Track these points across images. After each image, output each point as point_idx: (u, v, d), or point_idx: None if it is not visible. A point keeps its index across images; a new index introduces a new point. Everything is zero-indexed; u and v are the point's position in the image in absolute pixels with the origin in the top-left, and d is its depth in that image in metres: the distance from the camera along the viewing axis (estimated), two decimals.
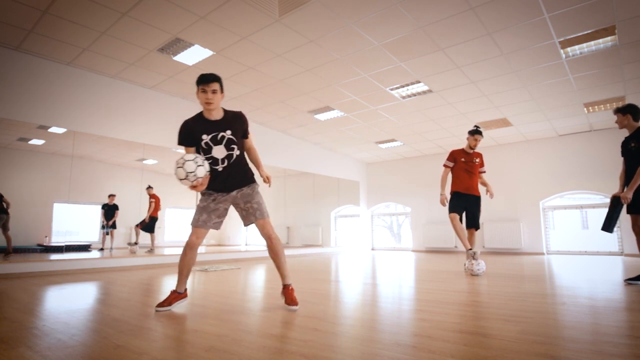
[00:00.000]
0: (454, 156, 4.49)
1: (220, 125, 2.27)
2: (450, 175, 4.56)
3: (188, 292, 3.18)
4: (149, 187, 6.73)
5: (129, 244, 6.55)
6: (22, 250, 5.41)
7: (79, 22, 3.97)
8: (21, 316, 2.16)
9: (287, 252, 8.26)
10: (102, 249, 6.46)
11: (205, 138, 2.24)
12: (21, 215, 5.44)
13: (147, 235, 6.72)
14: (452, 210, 4.31)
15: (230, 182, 2.33)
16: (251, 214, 2.38)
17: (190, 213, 6.99)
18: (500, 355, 1.43)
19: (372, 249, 10.77)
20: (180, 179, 2.14)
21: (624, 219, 3.52)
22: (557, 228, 8.73)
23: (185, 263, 2.36)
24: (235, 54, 4.65)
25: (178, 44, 4.45)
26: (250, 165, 2.48)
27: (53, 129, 5.08)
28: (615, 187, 3.61)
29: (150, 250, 6.47)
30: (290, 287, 2.39)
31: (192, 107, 6.41)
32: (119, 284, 3.65)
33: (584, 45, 4.32)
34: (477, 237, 8.64)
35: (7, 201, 5.25)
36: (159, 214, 6.87)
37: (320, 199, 9.68)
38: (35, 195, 5.70)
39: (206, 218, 2.33)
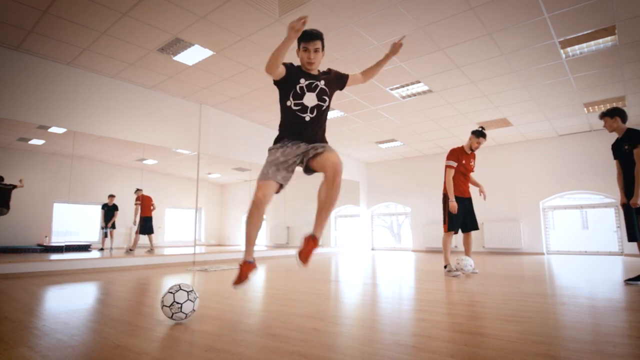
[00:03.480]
0: (458, 156, 4.17)
1: (316, 76, 2.19)
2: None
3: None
4: (138, 190, 6.65)
5: (148, 250, 6.51)
6: (22, 250, 5.41)
7: (79, 22, 3.97)
8: (21, 316, 2.16)
9: (287, 252, 8.32)
10: (102, 249, 6.46)
11: (303, 83, 2.14)
12: (21, 215, 5.44)
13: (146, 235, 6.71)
14: (451, 228, 4.07)
15: (311, 134, 2.17)
16: (317, 152, 2.10)
17: (190, 213, 6.88)
18: (500, 355, 1.43)
19: (372, 249, 10.77)
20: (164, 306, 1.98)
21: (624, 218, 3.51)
22: (557, 228, 8.71)
23: (254, 225, 2.06)
24: (235, 54, 4.65)
25: (178, 44, 4.45)
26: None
27: (53, 129, 5.08)
28: (614, 188, 3.60)
29: (150, 250, 6.46)
30: (317, 239, 2.08)
31: (192, 107, 6.42)
32: (118, 284, 3.65)
33: (584, 45, 4.32)
34: (477, 237, 8.64)
35: (22, 183, 5.21)
36: (154, 213, 6.78)
37: None
38: (35, 195, 5.69)
39: (275, 170, 2.08)
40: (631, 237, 3.36)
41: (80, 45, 4.47)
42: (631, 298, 2.64)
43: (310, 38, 2.07)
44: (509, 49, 4.45)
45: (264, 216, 2.11)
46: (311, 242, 2.08)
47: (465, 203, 4.21)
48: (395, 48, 2.38)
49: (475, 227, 4.25)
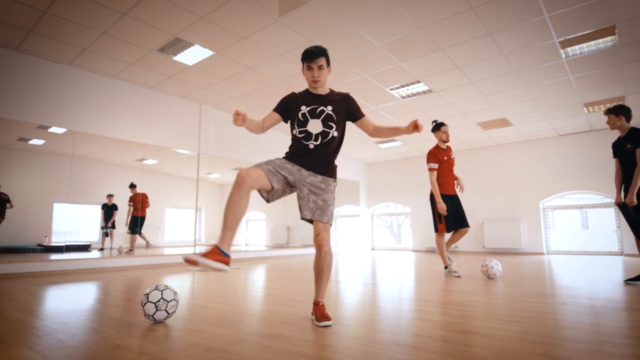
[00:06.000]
0: (438, 156, 4.13)
1: (323, 99, 2.13)
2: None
3: (188, 292, 3.18)
4: (133, 186, 6.43)
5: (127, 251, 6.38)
6: (22, 250, 5.40)
7: (79, 22, 3.97)
8: (21, 316, 2.16)
9: (287, 252, 8.33)
10: (102, 249, 6.45)
11: (304, 109, 2.09)
12: (21, 215, 5.44)
13: (146, 234, 6.70)
14: (448, 227, 4.04)
15: (314, 162, 2.08)
16: (310, 209, 2.03)
17: (190, 213, 6.87)
18: (500, 355, 1.43)
19: (372, 249, 10.77)
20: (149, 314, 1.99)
21: (624, 219, 3.51)
22: (557, 228, 8.72)
23: (232, 207, 1.80)
24: (235, 54, 4.65)
25: (178, 44, 4.45)
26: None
27: (53, 129, 5.08)
28: (614, 187, 3.59)
29: (130, 251, 6.28)
30: (322, 304, 2.03)
31: (192, 107, 6.41)
32: (118, 284, 3.65)
33: (584, 45, 4.32)
34: (478, 237, 8.64)
35: (12, 204, 5.24)
36: (149, 211, 6.64)
37: None
38: (35, 195, 5.69)
39: (272, 169, 1.96)
40: (638, 233, 3.32)
41: (80, 45, 4.47)
42: (631, 298, 2.64)
43: (312, 57, 2.06)
44: (509, 49, 4.45)
45: (248, 202, 1.86)
46: (321, 306, 2.00)
47: (454, 200, 4.19)
48: (409, 129, 2.07)
49: (466, 224, 4.12)
